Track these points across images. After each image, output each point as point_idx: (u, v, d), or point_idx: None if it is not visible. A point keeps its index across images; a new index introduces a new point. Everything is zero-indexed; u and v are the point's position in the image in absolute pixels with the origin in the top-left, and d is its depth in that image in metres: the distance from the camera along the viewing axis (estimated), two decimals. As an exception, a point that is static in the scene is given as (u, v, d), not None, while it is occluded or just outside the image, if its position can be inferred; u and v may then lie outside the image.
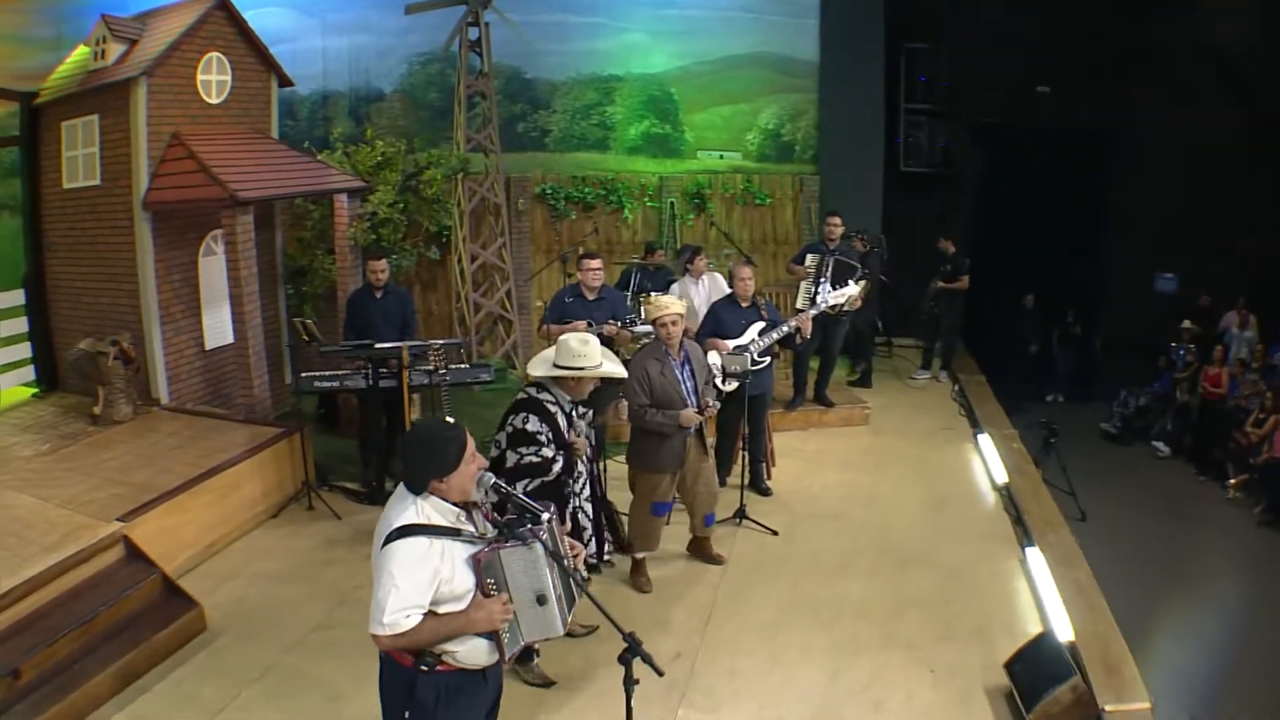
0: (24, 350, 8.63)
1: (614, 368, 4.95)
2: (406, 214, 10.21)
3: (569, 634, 5.35)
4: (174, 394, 8.37)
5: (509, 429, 4.81)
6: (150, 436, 7.48)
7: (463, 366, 7.85)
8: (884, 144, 12.29)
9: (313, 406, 9.46)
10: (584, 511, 5.17)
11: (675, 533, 6.57)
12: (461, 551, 3.16)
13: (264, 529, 7.10)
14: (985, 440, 8.48)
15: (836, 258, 8.88)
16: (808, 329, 7.54)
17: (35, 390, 8.69)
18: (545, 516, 3.25)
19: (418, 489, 3.15)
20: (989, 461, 8.13)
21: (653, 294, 8.99)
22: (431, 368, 6.82)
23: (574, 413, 4.96)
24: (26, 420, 7.96)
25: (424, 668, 3.18)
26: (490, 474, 3.26)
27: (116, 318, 8.20)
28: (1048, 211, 12.83)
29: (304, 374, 7.65)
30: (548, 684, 5.04)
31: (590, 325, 7.10)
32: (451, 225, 10.91)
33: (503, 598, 3.18)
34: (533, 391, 4.90)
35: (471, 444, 3.21)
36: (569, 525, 5.05)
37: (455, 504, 3.21)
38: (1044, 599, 5.59)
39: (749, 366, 7.04)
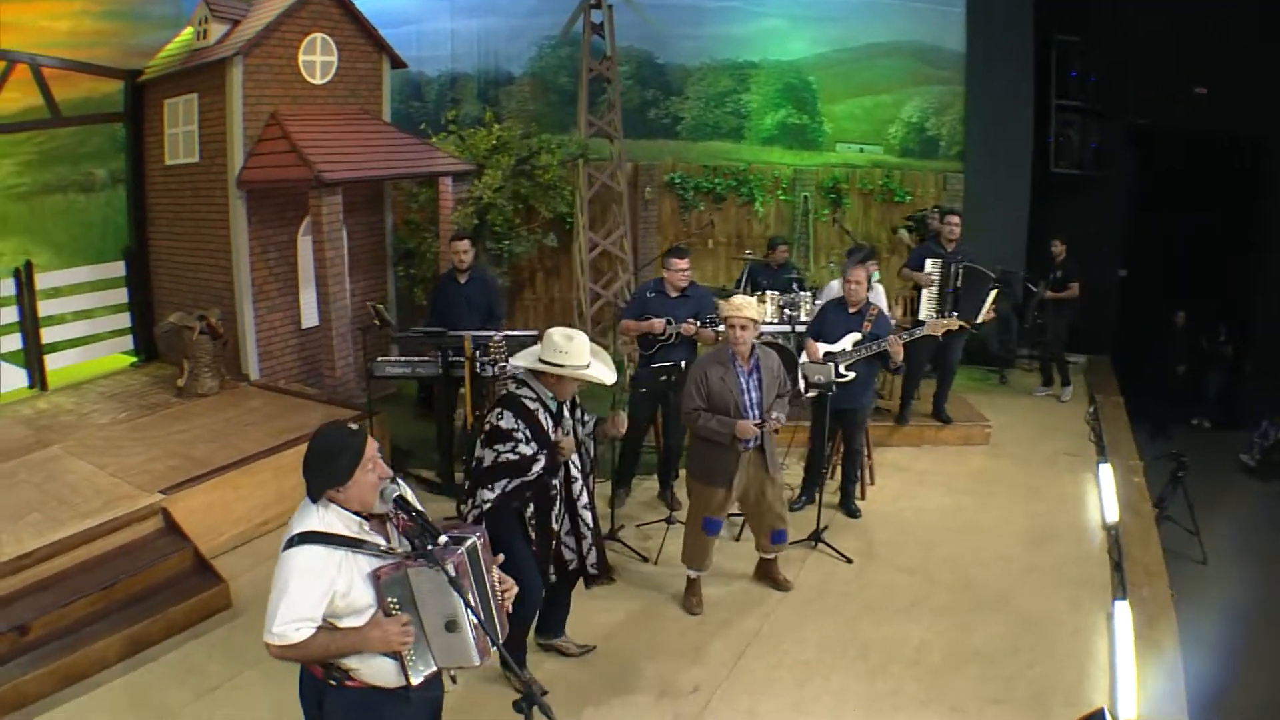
0: (124, 320, 8.97)
1: (602, 371, 4.50)
2: (519, 200, 10.07)
3: (563, 652, 5.10)
4: (265, 370, 8.50)
5: (486, 427, 4.50)
6: (228, 412, 7.58)
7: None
8: (1032, 142, 11.33)
9: (413, 390, 9.47)
10: (583, 520, 4.79)
11: (744, 550, 6.19)
12: (365, 565, 2.94)
13: (326, 511, 7.05)
14: (1106, 470, 7.60)
15: (966, 264, 8.13)
16: (898, 354, 6.72)
17: (134, 360, 9.03)
18: (443, 540, 2.94)
19: (314, 498, 2.97)
20: (1104, 495, 7.25)
21: (769, 293, 8.55)
22: (492, 359, 6.63)
23: (562, 411, 4.58)
24: (116, 388, 8.25)
25: (332, 681, 3.03)
26: (395, 486, 2.98)
27: (212, 293, 8.41)
28: (1201, 222, 11.56)
29: (379, 359, 7.61)
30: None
31: (669, 323, 6.77)
32: (571, 212, 10.74)
33: (402, 619, 2.92)
34: (512, 387, 4.58)
35: (371, 450, 2.95)
36: (566, 525, 4.75)
37: (359, 514, 2.98)
38: (1117, 665, 4.86)
39: (832, 377, 6.50)
